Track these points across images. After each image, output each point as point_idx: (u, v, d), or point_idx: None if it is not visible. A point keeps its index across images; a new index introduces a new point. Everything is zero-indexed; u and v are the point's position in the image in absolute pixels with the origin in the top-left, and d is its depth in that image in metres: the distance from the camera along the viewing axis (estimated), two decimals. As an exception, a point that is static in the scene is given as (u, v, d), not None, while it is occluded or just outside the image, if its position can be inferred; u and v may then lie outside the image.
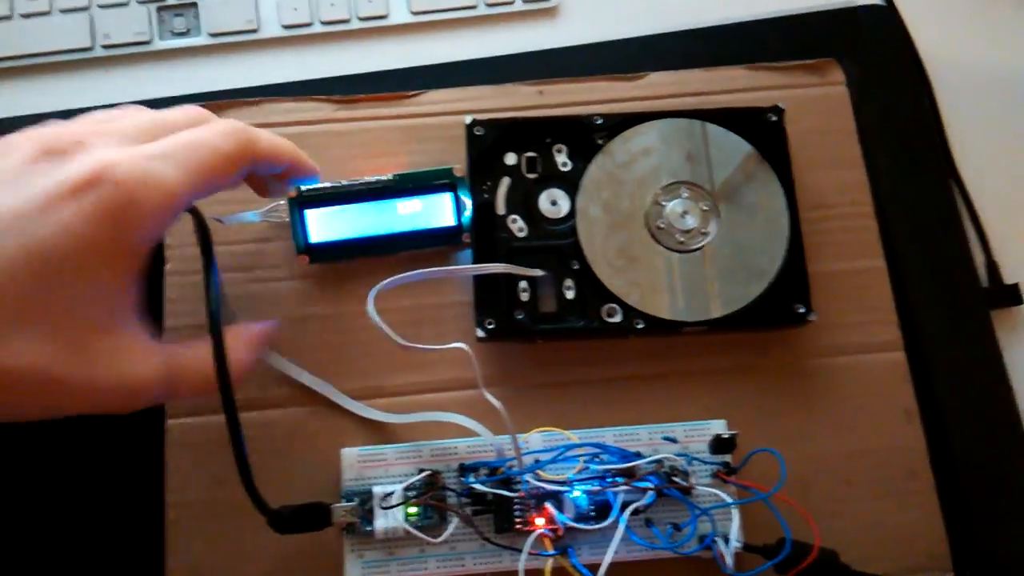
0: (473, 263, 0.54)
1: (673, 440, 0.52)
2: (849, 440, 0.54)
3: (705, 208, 0.55)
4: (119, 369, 0.38)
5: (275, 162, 0.46)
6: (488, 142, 0.56)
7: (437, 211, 0.55)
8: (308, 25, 0.66)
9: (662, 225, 0.55)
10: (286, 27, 0.66)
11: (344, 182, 0.55)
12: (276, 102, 0.60)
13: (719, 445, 0.51)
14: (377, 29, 0.67)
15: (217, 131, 0.42)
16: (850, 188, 0.59)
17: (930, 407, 0.55)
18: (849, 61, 0.62)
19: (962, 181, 0.62)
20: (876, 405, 0.55)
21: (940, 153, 0.63)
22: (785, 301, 0.53)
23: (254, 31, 0.66)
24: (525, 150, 0.57)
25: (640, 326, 0.53)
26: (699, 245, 0.55)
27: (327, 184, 0.55)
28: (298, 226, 0.55)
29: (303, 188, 0.54)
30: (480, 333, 0.52)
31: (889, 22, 0.66)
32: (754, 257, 0.54)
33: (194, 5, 0.66)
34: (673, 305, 0.53)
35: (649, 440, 0.52)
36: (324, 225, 0.55)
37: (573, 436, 0.51)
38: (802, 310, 0.53)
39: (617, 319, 0.53)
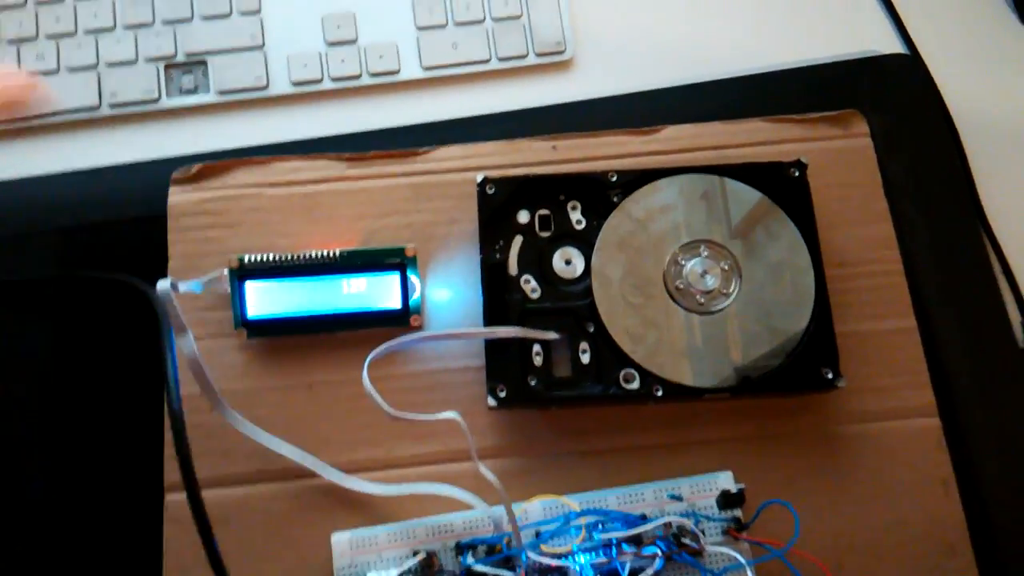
0: (484, 326, 0.52)
1: (679, 498, 0.50)
2: (882, 513, 0.51)
3: (726, 267, 0.53)
4: None
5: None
6: (500, 200, 0.53)
7: (383, 292, 0.54)
8: (318, 81, 0.65)
9: (681, 286, 0.52)
10: (296, 84, 0.65)
11: (289, 256, 0.54)
12: (285, 160, 0.59)
13: (727, 500, 0.49)
14: (388, 85, 0.65)
15: None
16: (877, 244, 0.56)
17: (968, 476, 0.52)
18: (872, 112, 0.60)
19: (994, 234, 0.59)
20: (910, 475, 0.52)
21: (970, 206, 0.60)
22: (812, 365, 0.51)
23: (263, 88, 0.65)
24: (538, 207, 0.55)
25: (659, 393, 0.50)
26: (721, 307, 0.52)
27: (269, 256, 0.54)
28: (237, 299, 0.54)
29: (245, 259, 0.53)
30: (491, 401, 0.50)
31: (913, 71, 0.64)
32: (778, 319, 0.52)
33: (203, 63, 0.65)
34: (694, 370, 0.51)
35: (655, 500, 0.50)
36: (264, 299, 0.54)
37: (573, 503, 0.49)
38: (830, 375, 0.50)
39: (635, 385, 0.50)
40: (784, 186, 0.54)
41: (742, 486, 0.49)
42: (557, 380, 0.51)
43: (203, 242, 0.57)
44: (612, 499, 0.50)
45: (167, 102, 0.64)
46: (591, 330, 0.52)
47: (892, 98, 0.62)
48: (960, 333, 0.56)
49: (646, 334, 0.51)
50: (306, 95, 0.65)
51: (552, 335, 0.51)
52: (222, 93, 0.64)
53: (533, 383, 0.51)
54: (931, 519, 0.51)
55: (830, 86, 0.63)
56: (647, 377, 0.51)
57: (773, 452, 0.52)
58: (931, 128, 0.62)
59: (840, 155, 0.58)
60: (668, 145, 0.59)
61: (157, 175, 0.59)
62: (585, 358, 0.52)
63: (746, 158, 0.57)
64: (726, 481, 0.50)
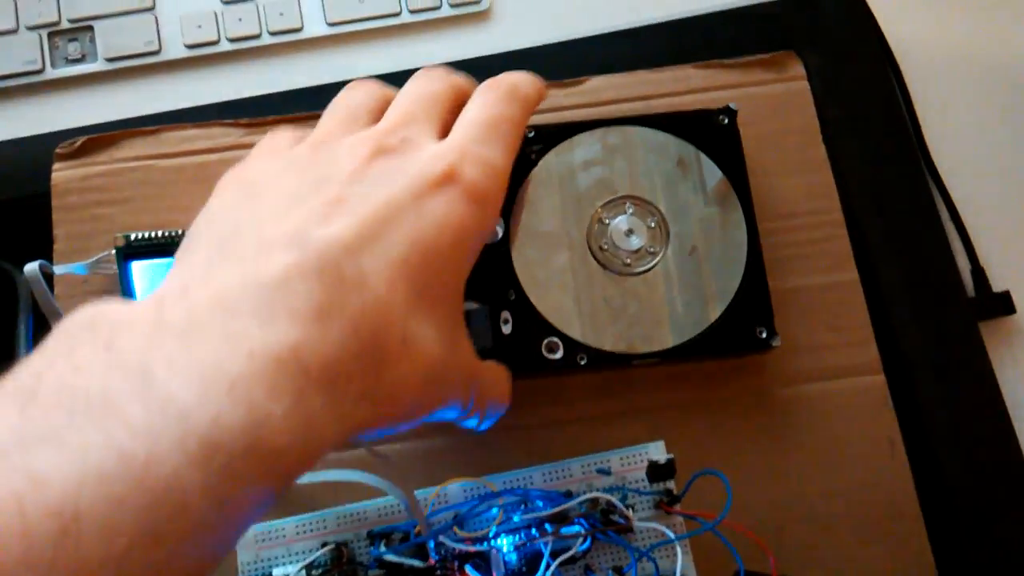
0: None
1: (607, 472, 0.46)
2: (825, 478, 0.48)
3: (652, 225, 0.49)
4: (470, 360, 0.39)
5: (537, 106, 0.45)
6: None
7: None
8: (214, 43, 0.60)
9: (605, 246, 0.48)
10: (190, 47, 0.60)
11: (181, 232, 0.50)
12: (176, 129, 0.55)
13: (656, 471, 0.45)
14: (291, 44, 0.61)
15: (500, 99, 0.41)
16: (816, 194, 0.52)
17: (916, 434, 0.49)
18: (809, 52, 0.56)
19: (941, 179, 0.56)
20: (855, 436, 0.48)
21: (915, 149, 0.57)
22: (746, 325, 0.47)
23: (156, 53, 0.60)
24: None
25: (583, 362, 0.46)
26: (648, 267, 0.48)
27: (156, 233, 0.50)
28: (125, 279, 0.50)
29: (132, 237, 0.49)
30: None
31: (851, 6, 0.59)
32: (710, 277, 0.48)
33: (89, 28, 0.60)
34: (621, 336, 0.47)
35: (583, 474, 0.46)
36: (154, 280, 0.50)
37: (491, 484, 0.46)
38: (764, 334, 0.47)
39: (559, 355, 0.47)
40: (714, 135, 0.50)
41: (671, 456, 0.45)
42: (477, 352, 0.47)
43: (91, 221, 0.53)
44: (537, 476, 0.46)
45: (52, 72, 0.60)
46: (512, 298, 0.48)
47: (829, 36, 0.58)
48: (906, 284, 0.52)
49: (569, 300, 0.47)
50: (202, 59, 0.60)
51: (471, 304, 0.47)
52: (111, 60, 0.60)
53: (452, 357, 0.47)
54: (877, 482, 0.48)
55: (763, 27, 0.59)
56: (572, 346, 0.47)
57: (708, 420, 0.49)
58: (871, 67, 0.58)
59: (775, 100, 0.54)
60: (591, 97, 0.55)
61: (43, 151, 0.55)
62: (507, 328, 0.47)
63: (675, 108, 0.53)
64: (657, 452, 0.47)
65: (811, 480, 0.48)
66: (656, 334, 0.47)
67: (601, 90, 0.55)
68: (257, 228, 0.34)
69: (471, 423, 0.41)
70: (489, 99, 0.41)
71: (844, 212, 0.52)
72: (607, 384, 0.49)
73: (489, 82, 0.43)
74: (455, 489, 0.46)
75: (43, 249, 0.52)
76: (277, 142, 0.41)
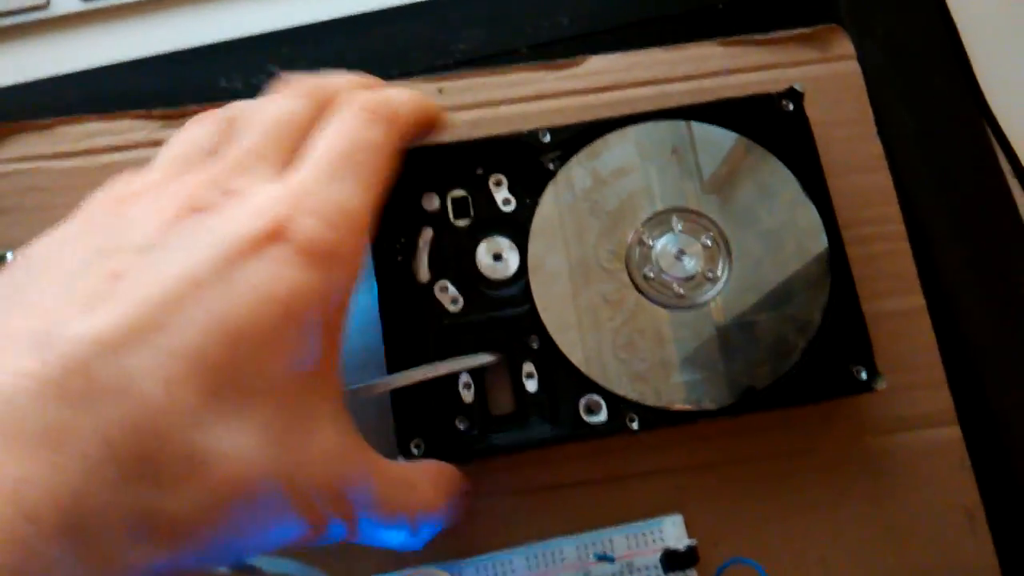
0: (385, 356, 0.37)
1: (610, 559, 0.38)
2: (887, 558, 0.39)
3: (709, 243, 0.40)
4: (331, 476, 0.30)
5: (418, 131, 0.37)
6: (396, 182, 0.38)
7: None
8: None
9: (651, 274, 0.39)
10: None
11: None
12: (74, 122, 0.44)
13: (672, 559, 0.37)
14: None
15: (360, 122, 0.34)
16: (873, 199, 0.43)
17: (1001, 504, 0.40)
18: None
19: (1003, 134, 0.47)
20: (922, 505, 0.40)
21: (968, 96, 0.47)
22: (838, 362, 0.38)
23: (43, 7, 0.49)
24: (450, 187, 0.41)
25: (635, 425, 0.37)
26: (707, 296, 0.39)
27: None
28: None
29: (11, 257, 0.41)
30: (403, 462, 0.36)
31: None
32: (785, 303, 0.39)
33: None
34: (678, 387, 0.37)
35: (578, 559, 0.38)
36: None
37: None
38: (864, 374, 0.38)
39: (601, 417, 0.37)
40: (775, 125, 0.41)
41: (693, 542, 0.37)
42: (497, 419, 0.38)
43: None
44: (519, 562, 0.38)
45: None
46: (535, 346, 0.38)
47: None
48: (987, 313, 0.43)
49: (608, 345, 0.38)
50: (98, 12, 0.49)
51: (484, 358, 0.37)
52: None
53: (463, 427, 0.37)
54: (951, 564, 0.39)
55: None
56: (616, 403, 0.37)
57: (738, 485, 0.40)
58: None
59: (818, 85, 0.44)
60: (594, 81, 0.45)
61: None
62: (531, 384, 0.38)
63: (698, 93, 0.44)
64: (674, 532, 0.38)
65: (868, 564, 0.39)
66: (724, 381, 0.38)
67: (603, 72, 0.45)
68: (5, 322, 0.27)
69: (394, 539, 0.34)
70: (346, 122, 0.34)
71: (906, 221, 0.43)
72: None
73: (350, 96, 0.35)
74: None
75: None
76: (99, 194, 0.33)
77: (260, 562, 0.34)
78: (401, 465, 0.33)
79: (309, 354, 0.30)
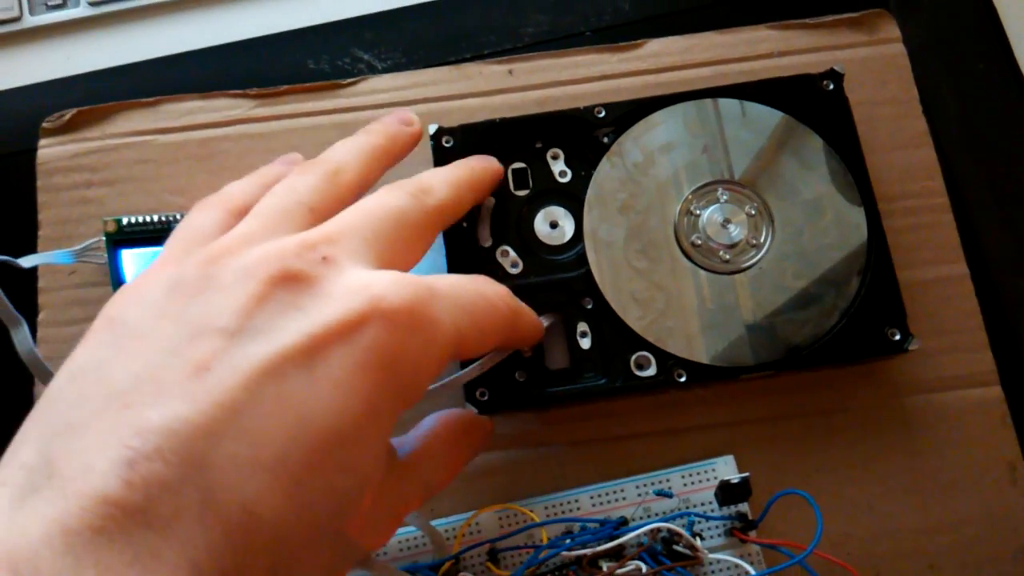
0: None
1: (668, 494, 0.39)
2: (932, 508, 0.40)
3: (752, 212, 0.41)
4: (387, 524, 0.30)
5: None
6: (460, 154, 0.40)
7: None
8: None
9: (699, 241, 0.40)
10: None
11: (175, 215, 0.42)
12: (177, 100, 0.46)
13: (727, 492, 0.37)
14: None
15: (492, 285, 0.34)
16: (917, 175, 0.44)
17: None
18: None
19: None
20: (966, 460, 0.40)
21: (1009, 73, 0.48)
22: (874, 325, 0.39)
23: None
24: (510, 159, 0.42)
25: (683, 379, 0.38)
26: (751, 262, 0.40)
27: (151, 217, 0.42)
28: (115, 269, 0.42)
29: (124, 222, 0.42)
30: (471, 408, 0.38)
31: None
32: (826, 270, 0.40)
33: None
34: (723, 346, 0.39)
35: (639, 497, 0.39)
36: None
37: (531, 513, 0.38)
38: (898, 335, 0.39)
39: (651, 372, 0.39)
40: (816, 104, 0.42)
41: (746, 475, 0.37)
42: (553, 373, 0.39)
43: (80, 204, 0.44)
44: (585, 500, 0.39)
45: (31, 20, 0.50)
46: (589, 307, 0.40)
47: None
48: (1015, 258, 0.44)
49: (658, 306, 0.39)
50: (194, 0, 0.51)
51: (542, 322, 0.39)
52: (95, 4, 0.50)
53: (523, 380, 0.39)
54: (993, 515, 0.40)
55: None
56: (665, 359, 0.39)
57: (789, 437, 0.41)
58: None
59: (866, 66, 0.45)
60: (653, 63, 0.46)
61: (26, 106, 0.48)
62: (585, 342, 0.39)
63: (751, 74, 0.45)
64: (727, 469, 0.40)
65: (914, 511, 0.40)
66: (766, 341, 0.39)
67: (662, 55, 0.46)
68: (92, 424, 0.24)
69: None
70: (473, 282, 0.33)
71: (949, 194, 0.44)
72: (676, 397, 0.41)
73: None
74: (489, 518, 0.39)
75: (24, 233, 0.44)
76: (188, 231, 0.31)
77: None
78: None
79: (383, 441, 0.28)
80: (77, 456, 0.23)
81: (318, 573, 0.26)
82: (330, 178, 0.33)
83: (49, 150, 0.45)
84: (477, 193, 0.38)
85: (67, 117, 0.45)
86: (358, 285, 0.28)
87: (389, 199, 0.32)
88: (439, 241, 0.40)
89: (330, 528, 0.26)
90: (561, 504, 0.39)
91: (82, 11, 0.50)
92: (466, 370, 0.35)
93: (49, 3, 0.50)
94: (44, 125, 0.45)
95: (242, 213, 0.31)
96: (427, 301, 0.29)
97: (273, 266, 0.28)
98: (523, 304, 0.35)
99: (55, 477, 0.23)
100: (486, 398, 0.38)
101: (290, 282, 0.27)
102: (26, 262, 0.39)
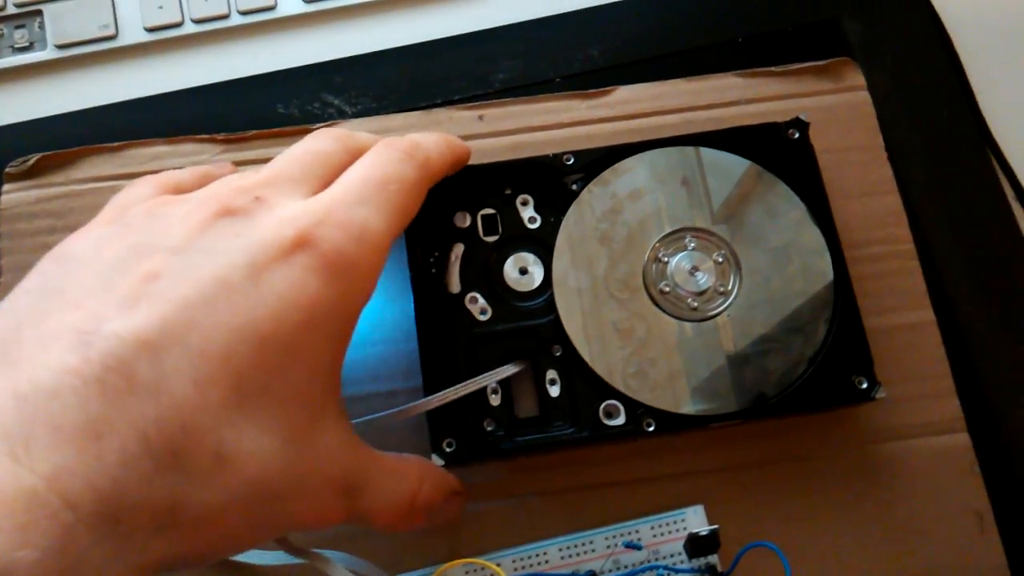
0: (421, 366, 0.38)
1: (638, 547, 0.38)
2: (900, 558, 0.39)
3: (720, 260, 0.40)
4: (336, 471, 0.31)
5: (447, 172, 0.38)
6: (431, 200, 0.39)
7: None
8: (178, 25, 0.51)
9: (667, 288, 0.40)
10: (150, 30, 0.50)
11: None
12: (142, 146, 0.45)
13: (696, 545, 0.37)
14: (263, 24, 0.51)
15: (393, 158, 0.35)
16: (883, 220, 0.44)
17: (1009, 506, 0.41)
18: (850, 17, 0.49)
19: (1005, 159, 0.47)
20: (934, 508, 0.40)
21: (971, 121, 0.48)
22: (840, 373, 0.38)
23: (112, 38, 0.50)
24: (480, 206, 0.41)
25: (651, 428, 0.37)
26: (719, 309, 0.40)
27: None
28: None
29: None
30: (437, 460, 0.37)
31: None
32: (793, 318, 0.39)
33: (38, 13, 0.50)
34: (693, 394, 0.38)
35: (607, 549, 0.38)
36: None
37: (497, 569, 0.37)
38: (864, 384, 0.38)
39: (619, 420, 0.38)
40: (782, 152, 0.42)
41: (715, 527, 0.37)
42: (522, 421, 0.38)
43: (43, 249, 0.40)
44: (553, 553, 0.38)
45: None
46: (558, 354, 0.39)
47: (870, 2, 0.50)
48: (992, 326, 0.44)
49: (627, 354, 0.39)
50: (164, 43, 0.51)
51: (511, 369, 0.38)
52: (62, 47, 0.50)
53: (491, 428, 0.38)
54: (962, 565, 0.39)
55: None
56: (634, 408, 0.38)
57: (757, 486, 0.40)
58: (918, 34, 0.49)
59: (832, 114, 0.45)
60: (622, 110, 0.46)
61: None
62: (554, 390, 0.39)
63: (719, 121, 0.45)
64: (697, 520, 0.39)
65: (883, 561, 0.39)
66: (735, 388, 0.38)
67: (631, 102, 0.46)
68: (46, 319, 0.27)
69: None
70: (380, 157, 0.35)
71: (915, 240, 0.44)
72: (666, 443, 0.41)
73: (386, 140, 0.36)
74: (455, 573, 0.38)
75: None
76: (127, 198, 0.34)
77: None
78: (392, 456, 0.34)
79: (323, 360, 0.30)
80: (31, 342, 0.26)
81: (259, 463, 0.27)
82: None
83: (12, 195, 0.44)
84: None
85: (31, 162, 0.44)
86: (288, 216, 0.30)
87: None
88: (406, 285, 0.39)
89: (268, 427, 0.28)
90: (529, 557, 0.38)
91: (48, 54, 0.49)
92: (429, 398, 0.36)
93: (15, 46, 0.49)
94: (8, 170, 0.44)
95: (174, 192, 0.34)
96: (355, 214, 0.31)
97: (212, 204, 0.30)
98: (423, 141, 0.36)
99: (8, 359, 0.26)
100: (453, 448, 0.37)
101: (229, 214, 0.30)
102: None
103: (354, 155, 0.35)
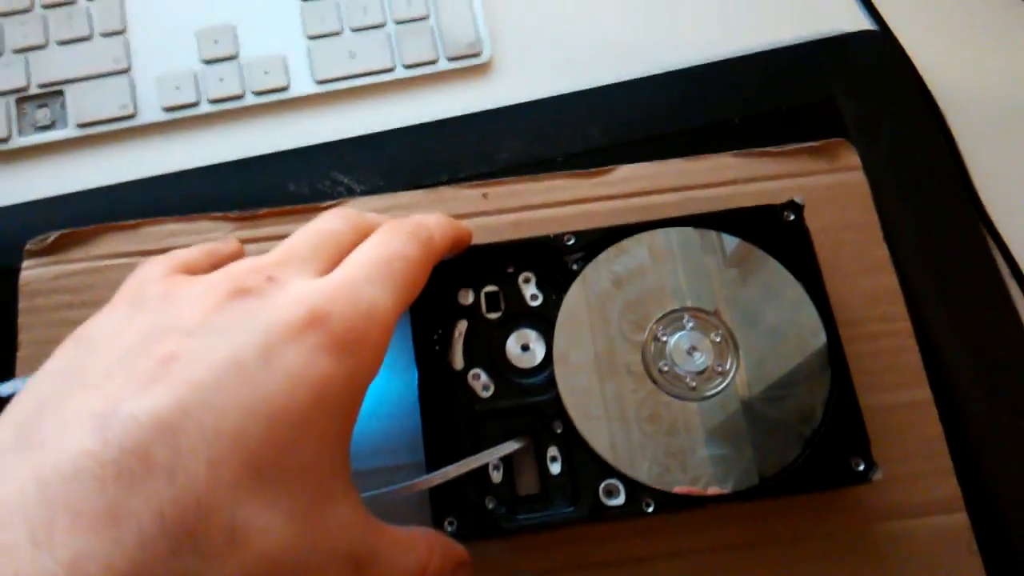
0: (424, 441, 0.39)
1: None
2: None
3: (718, 339, 0.41)
4: (346, 545, 0.31)
5: (450, 250, 0.39)
6: (435, 278, 0.40)
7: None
8: (194, 105, 0.51)
9: (666, 367, 0.40)
10: (168, 109, 0.51)
11: None
12: (157, 223, 0.46)
13: None
14: (277, 104, 0.52)
15: (398, 238, 0.35)
16: (880, 299, 0.44)
17: None
18: (845, 97, 0.49)
19: (998, 233, 0.48)
20: None
21: (965, 197, 0.49)
22: (838, 454, 0.38)
23: (131, 117, 0.51)
24: (483, 284, 0.42)
25: (651, 509, 0.38)
26: (717, 389, 0.40)
27: None
28: None
29: None
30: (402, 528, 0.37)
31: (887, 49, 0.52)
32: (791, 398, 0.40)
33: (60, 94, 0.51)
34: (692, 473, 0.38)
35: None
36: None
37: None
38: (862, 466, 0.38)
39: (619, 500, 0.38)
40: (778, 233, 0.42)
41: None
42: (523, 499, 0.39)
43: (61, 325, 0.44)
44: None
45: (20, 140, 0.51)
46: (559, 431, 0.39)
47: (865, 80, 0.51)
48: (989, 406, 0.44)
49: (627, 433, 0.39)
50: (180, 121, 0.52)
51: (512, 446, 0.38)
52: (82, 126, 0.51)
53: (492, 506, 0.38)
54: None
55: (792, 73, 0.51)
56: (634, 488, 0.38)
57: (752, 568, 0.40)
58: (912, 111, 0.50)
59: (828, 193, 0.46)
60: (622, 188, 0.47)
61: (10, 224, 0.49)
62: (555, 467, 0.39)
63: (716, 200, 0.46)
64: None
65: None
66: (734, 469, 0.38)
67: (631, 180, 0.47)
68: (66, 402, 0.28)
69: None
70: (386, 236, 0.36)
71: (911, 319, 0.44)
72: (665, 522, 0.41)
73: (392, 220, 0.37)
74: None
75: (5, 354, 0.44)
76: (142, 277, 0.34)
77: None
78: (401, 529, 0.34)
79: (333, 435, 0.30)
80: (52, 425, 0.27)
81: (271, 540, 0.27)
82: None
83: (32, 271, 0.45)
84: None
85: (50, 239, 0.45)
86: (299, 295, 0.31)
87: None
88: (410, 361, 0.40)
89: (280, 503, 0.28)
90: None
91: (69, 132, 0.50)
92: (432, 475, 0.36)
93: (38, 124, 0.50)
94: (28, 247, 0.45)
95: (186, 270, 0.34)
96: (363, 292, 0.32)
97: (226, 285, 0.31)
98: (428, 222, 0.37)
99: (30, 442, 0.26)
100: (454, 527, 0.37)
101: (242, 295, 0.31)
102: (4, 389, 0.39)
103: (362, 234, 0.36)
